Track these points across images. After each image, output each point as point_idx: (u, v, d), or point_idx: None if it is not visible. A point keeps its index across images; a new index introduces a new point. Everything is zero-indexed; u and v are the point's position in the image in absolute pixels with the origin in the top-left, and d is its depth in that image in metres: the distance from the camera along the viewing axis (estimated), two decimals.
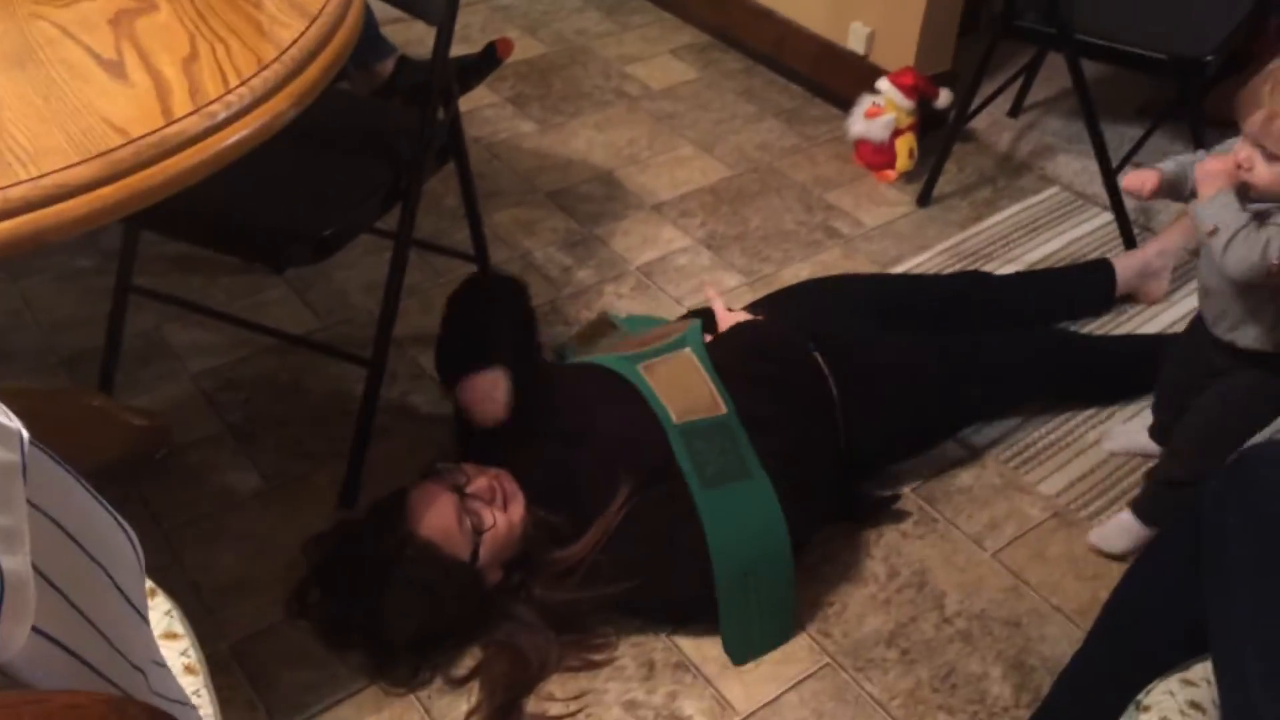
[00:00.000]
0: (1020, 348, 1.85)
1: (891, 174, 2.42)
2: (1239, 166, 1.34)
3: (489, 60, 2.44)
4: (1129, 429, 1.82)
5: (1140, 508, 1.64)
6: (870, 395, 1.67)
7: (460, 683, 1.47)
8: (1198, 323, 1.54)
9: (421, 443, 1.79)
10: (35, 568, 0.50)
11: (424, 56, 2.39)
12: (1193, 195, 1.40)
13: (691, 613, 1.53)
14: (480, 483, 1.50)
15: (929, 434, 1.78)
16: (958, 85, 2.43)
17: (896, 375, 1.72)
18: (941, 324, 1.87)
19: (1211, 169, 1.37)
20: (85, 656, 0.54)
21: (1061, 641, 1.53)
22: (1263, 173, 1.32)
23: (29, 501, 0.51)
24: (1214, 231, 1.34)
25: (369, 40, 2.27)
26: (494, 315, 1.67)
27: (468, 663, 1.49)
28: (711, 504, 1.48)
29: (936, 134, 2.41)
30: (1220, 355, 1.50)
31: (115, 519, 0.60)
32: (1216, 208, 1.35)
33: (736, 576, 1.49)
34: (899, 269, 2.18)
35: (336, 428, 1.79)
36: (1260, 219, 1.33)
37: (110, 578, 0.57)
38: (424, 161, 1.62)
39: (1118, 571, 1.48)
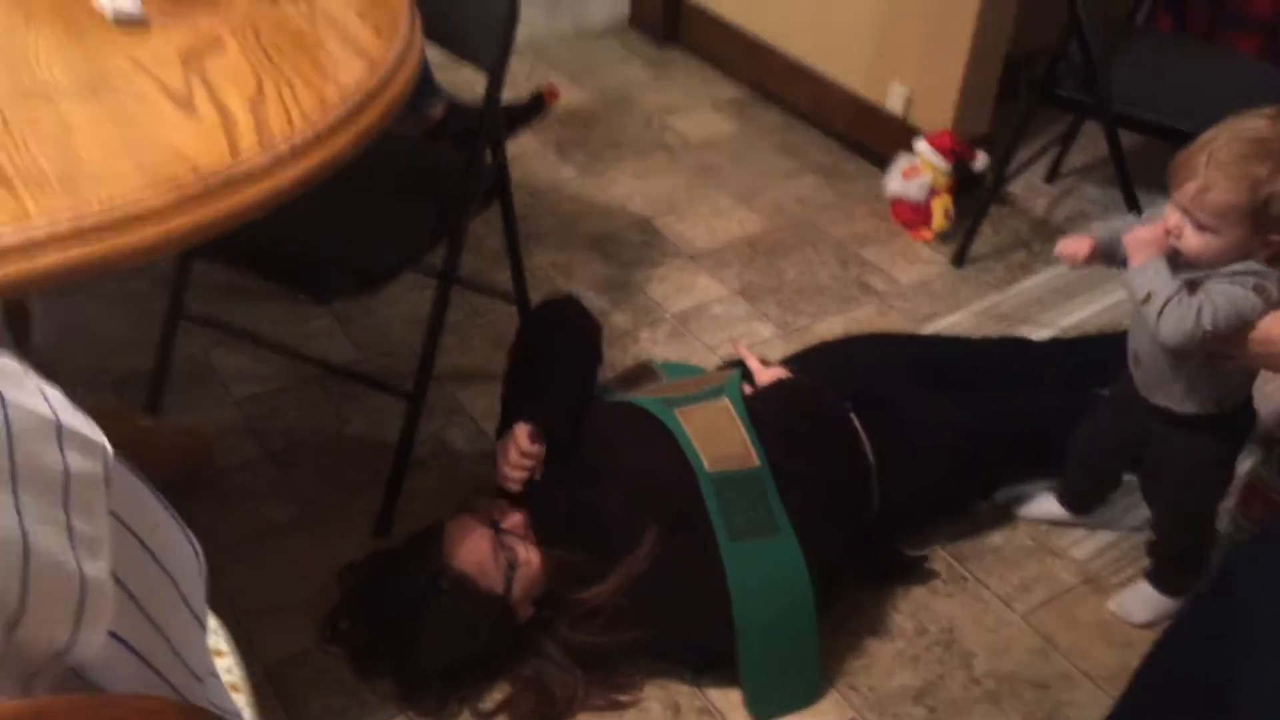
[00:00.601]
0: (1057, 411, 1.86)
1: (927, 233, 2.44)
2: (1168, 234, 1.33)
3: (536, 106, 2.50)
4: (1043, 497, 1.81)
5: (1154, 579, 1.64)
6: (906, 456, 1.68)
7: (487, 716, 1.48)
8: (1128, 389, 1.53)
9: (456, 477, 1.82)
10: (114, 576, 0.53)
11: (470, 101, 2.46)
12: (1124, 262, 1.40)
13: (713, 661, 1.54)
14: (515, 519, 1.53)
15: (963, 496, 1.79)
16: (994, 149, 2.46)
17: (934, 437, 1.72)
18: (978, 386, 1.88)
19: (1142, 237, 1.36)
20: (154, 663, 0.56)
21: (1089, 707, 1.52)
22: (1191, 241, 1.31)
23: (109, 511, 0.54)
24: (1148, 299, 1.33)
25: (422, 85, 2.33)
26: (568, 349, 1.68)
27: (495, 696, 1.51)
28: (737, 557, 1.49)
29: (972, 196, 2.43)
30: (1155, 422, 1.50)
31: (183, 530, 0.62)
32: (1149, 275, 1.34)
33: (757, 632, 1.49)
34: (932, 327, 2.20)
35: (374, 459, 1.82)
36: (1191, 286, 1.33)
37: (177, 587, 0.60)
38: (471, 202, 1.66)
39: (1148, 639, 1.47)
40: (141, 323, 2.04)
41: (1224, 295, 1.30)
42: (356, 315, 2.14)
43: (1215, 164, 1.26)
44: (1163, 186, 1.26)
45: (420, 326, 1.76)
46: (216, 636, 1.00)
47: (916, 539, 1.76)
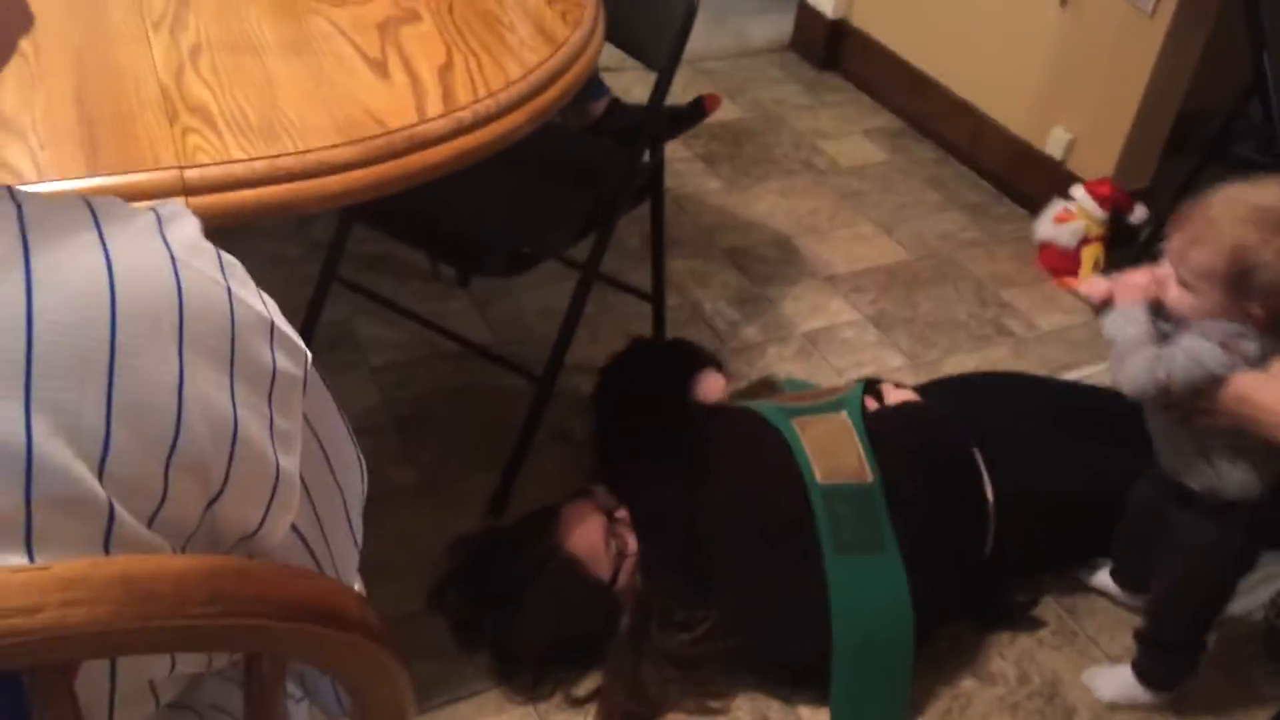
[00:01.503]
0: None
1: (1074, 281, 2.38)
2: (1157, 283, 1.29)
3: (695, 113, 2.53)
4: (1105, 569, 1.72)
5: (1141, 669, 1.55)
6: (1030, 501, 1.64)
7: (579, 703, 1.50)
8: (1155, 466, 1.45)
9: (573, 466, 1.84)
10: (299, 473, 0.56)
11: (630, 102, 2.50)
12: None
13: (806, 676, 1.52)
14: (624, 511, 1.54)
15: (1082, 548, 1.74)
16: (1154, 203, 2.39)
17: (1062, 485, 1.68)
18: (1111, 439, 1.83)
19: (1131, 281, 1.33)
20: (321, 562, 0.59)
21: None
22: (1173, 295, 1.28)
23: (303, 415, 0.57)
24: (1112, 343, 1.30)
25: (589, 80, 2.39)
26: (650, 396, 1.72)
27: (588, 684, 1.52)
28: (841, 570, 1.48)
29: (1125, 249, 2.36)
30: (1172, 502, 1.42)
31: (358, 454, 0.66)
32: (1120, 321, 1.31)
33: (853, 649, 1.47)
34: (1068, 376, 2.14)
35: (496, 439, 1.86)
36: (1164, 338, 1.28)
37: (345, 501, 0.63)
38: (624, 198, 1.69)
39: (1260, 711, 1.41)
40: (293, 285, 2.12)
41: (1186, 350, 1.26)
42: (494, 299, 2.19)
43: (1206, 222, 1.24)
44: None
45: (554, 315, 1.79)
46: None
47: (1028, 586, 1.71)
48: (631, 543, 1.50)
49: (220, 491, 0.50)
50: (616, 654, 1.52)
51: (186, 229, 0.52)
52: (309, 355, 0.58)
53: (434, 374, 2.01)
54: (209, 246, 0.53)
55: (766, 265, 2.39)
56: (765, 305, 2.28)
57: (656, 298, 2.01)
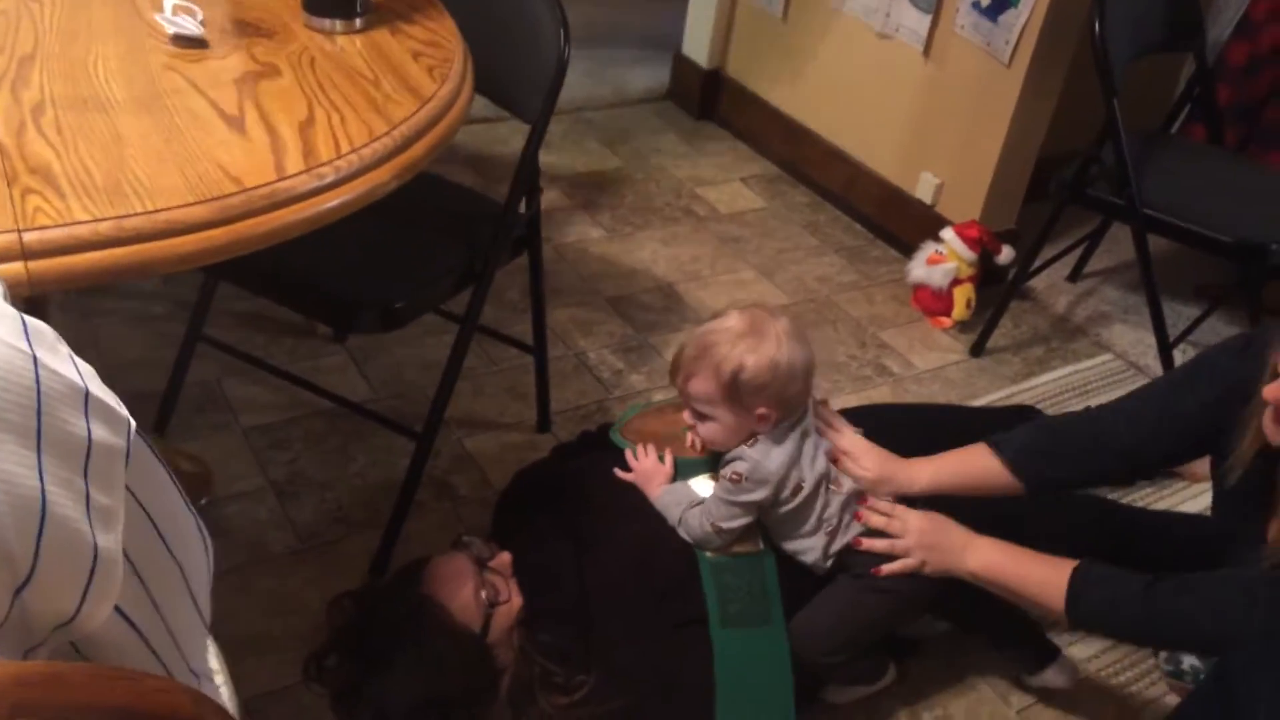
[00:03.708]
0: (1059, 516, 1.83)
1: (947, 321, 2.45)
2: (690, 427, 1.46)
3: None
4: None
5: None
6: None
7: None
8: None
9: (456, 522, 1.81)
10: (124, 551, 0.52)
11: (506, 156, 2.49)
12: None
13: None
14: (503, 558, 1.51)
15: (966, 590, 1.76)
16: (1020, 245, 2.48)
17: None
18: None
19: (641, 471, 1.54)
20: (155, 647, 0.55)
21: None
22: (701, 430, 1.44)
23: (126, 488, 0.53)
24: (679, 521, 1.47)
25: None
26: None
27: None
28: (726, 645, 1.46)
29: (995, 289, 2.44)
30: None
31: (198, 525, 0.62)
32: (663, 502, 1.49)
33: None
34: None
35: (376, 497, 1.81)
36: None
37: (185, 579, 0.59)
38: (501, 249, 1.67)
39: None
40: (157, 344, 2.05)
41: (714, 497, 1.44)
42: (372, 354, 2.14)
43: (690, 359, 1.40)
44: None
45: (434, 369, 1.76)
46: (208, 652, 0.98)
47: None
48: (504, 591, 1.46)
49: (28, 578, 0.46)
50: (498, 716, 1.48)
51: None
52: (132, 423, 0.54)
53: (310, 433, 1.95)
54: (12, 312, 0.49)
55: (650, 313, 2.39)
56: (649, 353, 2.28)
57: (538, 349, 1.99)
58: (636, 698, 1.45)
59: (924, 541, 1.44)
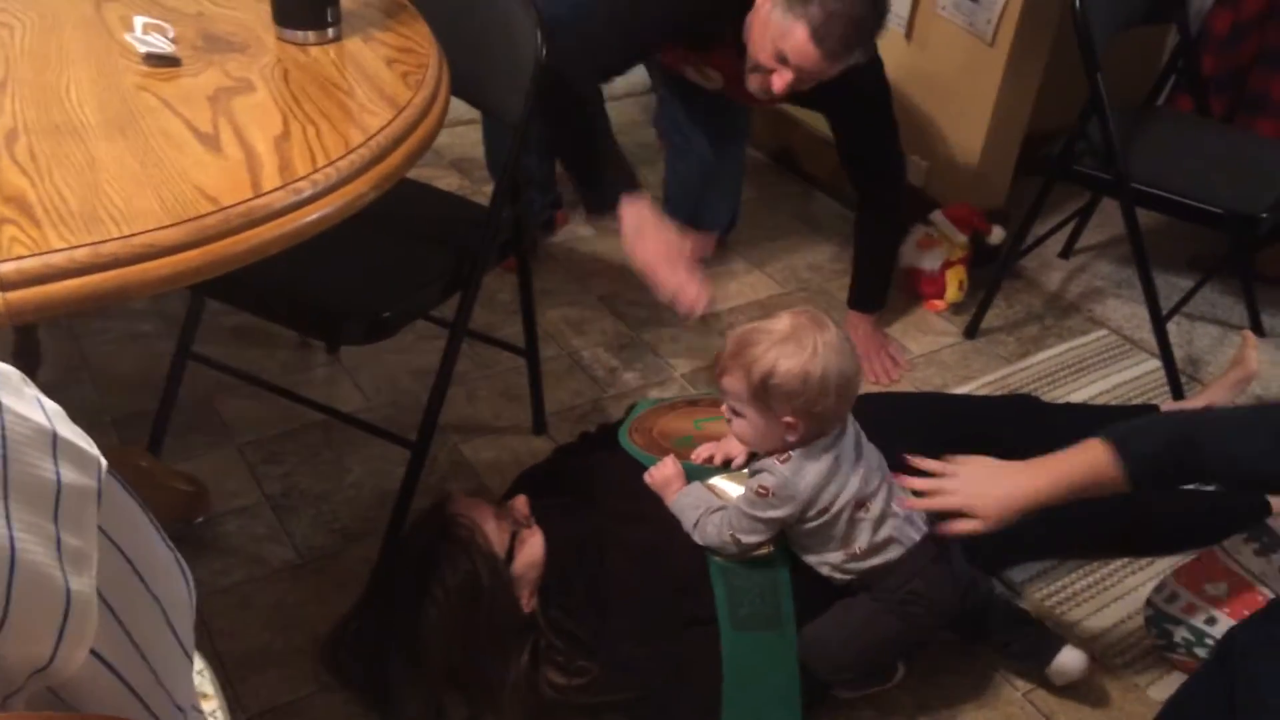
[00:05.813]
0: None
1: (940, 304, 2.44)
2: (728, 420, 1.45)
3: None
4: None
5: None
6: None
7: None
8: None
9: None
10: (99, 593, 0.52)
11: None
12: None
13: None
14: (519, 500, 1.55)
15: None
16: (1011, 223, 2.47)
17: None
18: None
19: (655, 480, 1.54)
20: (135, 687, 0.55)
21: None
22: (734, 427, 1.44)
23: (99, 528, 0.53)
24: (695, 525, 1.47)
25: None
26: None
27: None
28: (736, 648, 1.45)
29: (987, 269, 2.43)
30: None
31: (177, 559, 0.61)
32: (678, 506, 1.50)
33: None
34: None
35: (373, 508, 1.80)
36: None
37: (165, 615, 0.58)
38: (488, 254, 1.66)
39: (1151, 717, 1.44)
40: (147, 364, 2.04)
41: (736, 509, 1.43)
42: (364, 363, 2.14)
43: (730, 355, 1.40)
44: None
45: (427, 376, 1.75)
46: (202, 678, 0.98)
47: None
48: (525, 528, 1.48)
49: (0, 625, 0.46)
50: (514, 689, 1.47)
51: None
52: (103, 463, 0.54)
53: (304, 446, 1.94)
54: None
55: (642, 309, 2.38)
56: (643, 350, 2.27)
57: (530, 351, 1.98)
58: (642, 692, 1.45)
59: (972, 490, 1.39)
